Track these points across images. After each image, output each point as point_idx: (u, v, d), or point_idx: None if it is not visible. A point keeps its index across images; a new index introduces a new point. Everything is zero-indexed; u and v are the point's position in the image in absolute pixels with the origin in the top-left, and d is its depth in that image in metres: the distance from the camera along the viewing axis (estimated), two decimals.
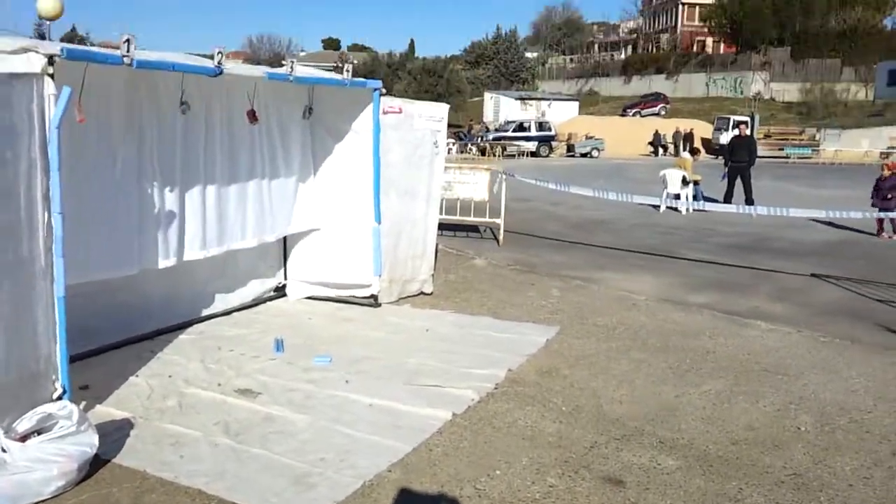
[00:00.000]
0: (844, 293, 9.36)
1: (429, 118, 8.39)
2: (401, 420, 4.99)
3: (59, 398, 4.38)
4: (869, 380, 6.07)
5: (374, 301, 7.94)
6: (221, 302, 7.58)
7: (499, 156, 39.58)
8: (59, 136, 4.30)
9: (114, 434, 4.58)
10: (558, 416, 5.18)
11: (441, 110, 8.64)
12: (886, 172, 14.20)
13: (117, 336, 6.36)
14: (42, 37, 6.62)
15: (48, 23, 5.62)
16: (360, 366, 6.08)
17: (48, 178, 4.30)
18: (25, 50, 4.25)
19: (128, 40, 4.81)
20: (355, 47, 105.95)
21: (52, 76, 4.28)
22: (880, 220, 13.98)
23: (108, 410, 4.99)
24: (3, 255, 4.11)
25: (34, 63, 4.23)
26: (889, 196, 13.86)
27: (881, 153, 39.32)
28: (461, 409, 5.20)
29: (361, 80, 7.65)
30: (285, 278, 8.41)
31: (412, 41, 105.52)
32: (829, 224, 14.59)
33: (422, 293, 8.55)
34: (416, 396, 5.39)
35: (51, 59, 4.26)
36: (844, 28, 59.76)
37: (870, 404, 5.54)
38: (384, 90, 7.73)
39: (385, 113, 7.72)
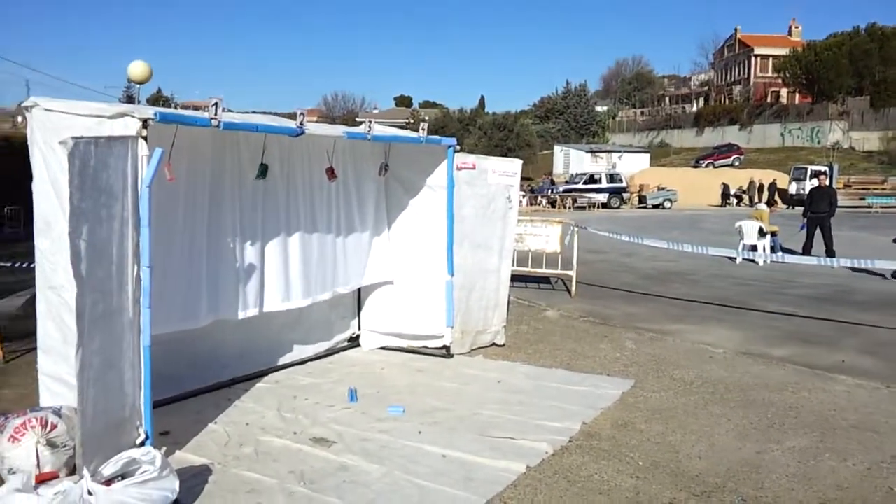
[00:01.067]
0: None
1: (502, 173, 8.48)
2: (474, 472, 4.95)
3: (143, 444, 4.53)
4: None
5: (446, 352, 7.97)
6: (297, 352, 7.74)
7: (569, 207, 39.59)
8: (150, 195, 4.53)
9: (192, 480, 4.66)
10: (635, 472, 5.06)
11: (514, 166, 8.73)
12: None
13: (196, 384, 6.54)
14: (131, 99, 6.99)
15: (137, 86, 5.94)
16: (433, 416, 6.08)
17: (138, 233, 4.53)
18: (122, 115, 4.55)
19: (216, 103, 5.04)
20: (426, 104, 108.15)
21: (145, 138, 4.53)
22: None
23: (186, 456, 5.11)
24: (96, 307, 4.31)
25: (130, 126, 4.51)
26: None
27: None
28: (535, 462, 5.14)
29: (436, 137, 7.81)
30: (359, 329, 8.54)
31: (482, 97, 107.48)
32: None
33: (494, 344, 8.54)
34: (489, 448, 5.35)
35: (145, 123, 4.54)
36: None
37: None
38: (458, 147, 7.88)
39: (459, 168, 7.85)
